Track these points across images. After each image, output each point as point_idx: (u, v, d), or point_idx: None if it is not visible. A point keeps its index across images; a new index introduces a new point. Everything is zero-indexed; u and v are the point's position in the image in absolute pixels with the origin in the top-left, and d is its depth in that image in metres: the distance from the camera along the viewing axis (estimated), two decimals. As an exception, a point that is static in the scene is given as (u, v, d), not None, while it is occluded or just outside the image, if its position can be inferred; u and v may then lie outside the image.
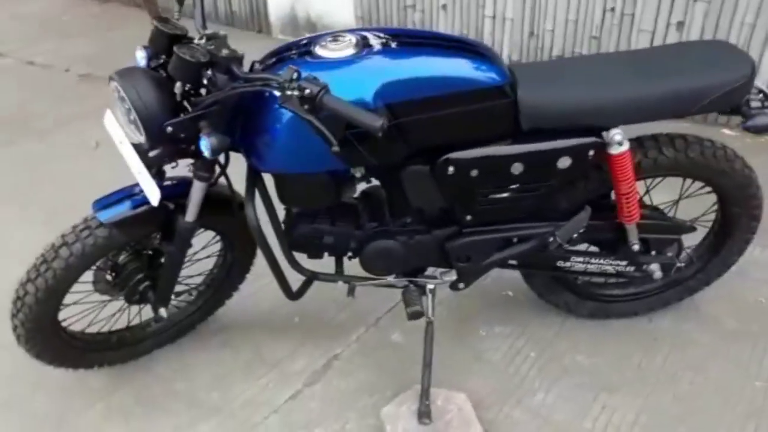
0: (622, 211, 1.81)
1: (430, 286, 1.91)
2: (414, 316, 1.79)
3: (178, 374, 2.05)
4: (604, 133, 1.68)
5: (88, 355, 1.94)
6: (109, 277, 1.86)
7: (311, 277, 1.87)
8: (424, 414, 1.78)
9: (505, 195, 1.71)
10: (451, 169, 1.64)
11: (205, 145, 1.44)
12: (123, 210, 1.65)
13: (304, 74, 1.33)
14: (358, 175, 1.69)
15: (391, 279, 1.89)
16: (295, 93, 1.31)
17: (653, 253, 1.96)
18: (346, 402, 1.94)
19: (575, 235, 1.86)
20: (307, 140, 1.50)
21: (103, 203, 1.67)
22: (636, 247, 1.91)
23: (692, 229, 1.98)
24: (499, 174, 1.66)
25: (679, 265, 1.99)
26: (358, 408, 1.91)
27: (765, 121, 1.70)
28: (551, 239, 1.79)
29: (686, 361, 2.05)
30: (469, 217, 1.76)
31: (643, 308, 2.19)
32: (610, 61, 1.79)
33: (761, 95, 1.73)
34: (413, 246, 1.81)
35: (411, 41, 1.63)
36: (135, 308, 2.01)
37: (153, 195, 1.55)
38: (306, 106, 1.31)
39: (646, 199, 2.00)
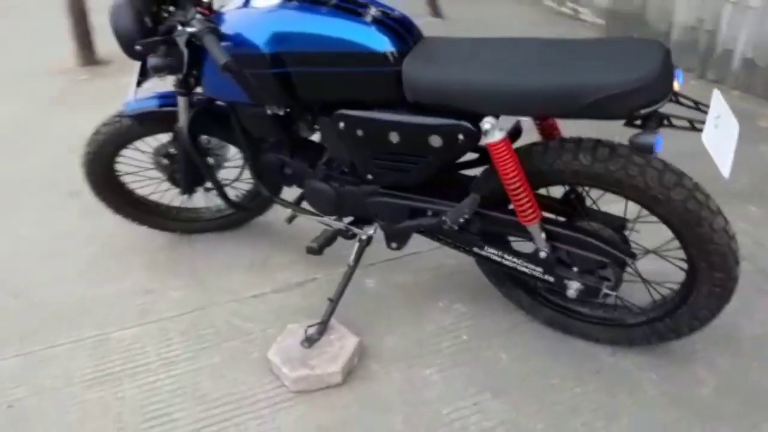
0: (515, 208, 1.71)
1: (362, 236, 2.07)
2: (309, 250, 2.00)
3: (199, 255, 2.57)
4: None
5: (145, 216, 2.58)
6: (164, 161, 2.44)
7: (269, 198, 2.19)
8: (308, 339, 2.00)
9: (387, 161, 1.78)
10: (341, 124, 1.78)
11: (149, 63, 1.87)
12: (141, 107, 2.19)
13: (198, 17, 1.67)
14: (281, 113, 1.92)
15: (328, 218, 2.10)
16: (190, 30, 1.68)
17: (575, 269, 1.79)
18: (285, 315, 2.23)
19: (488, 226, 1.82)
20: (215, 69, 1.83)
21: (133, 103, 2.22)
22: (543, 254, 1.77)
23: (630, 255, 1.74)
24: (380, 139, 1.74)
25: (608, 293, 1.77)
26: (286, 320, 2.19)
27: (646, 140, 1.44)
28: (444, 219, 1.80)
29: (607, 407, 1.84)
30: (369, 177, 1.87)
31: (605, 338, 1.98)
32: (523, 47, 1.66)
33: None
34: (343, 194, 1.99)
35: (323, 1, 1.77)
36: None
37: (130, 97, 2.05)
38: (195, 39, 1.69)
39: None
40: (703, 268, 1.67)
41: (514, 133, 1.79)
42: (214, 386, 1.96)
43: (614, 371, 1.94)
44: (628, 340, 1.95)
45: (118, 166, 2.45)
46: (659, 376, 1.91)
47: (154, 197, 2.61)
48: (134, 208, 2.57)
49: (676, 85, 1.56)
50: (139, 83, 2.06)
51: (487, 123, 1.60)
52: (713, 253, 1.62)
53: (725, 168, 1.48)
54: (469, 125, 1.62)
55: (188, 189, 2.42)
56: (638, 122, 1.51)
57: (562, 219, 1.87)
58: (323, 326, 2.03)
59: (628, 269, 1.83)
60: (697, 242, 1.62)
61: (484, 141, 1.63)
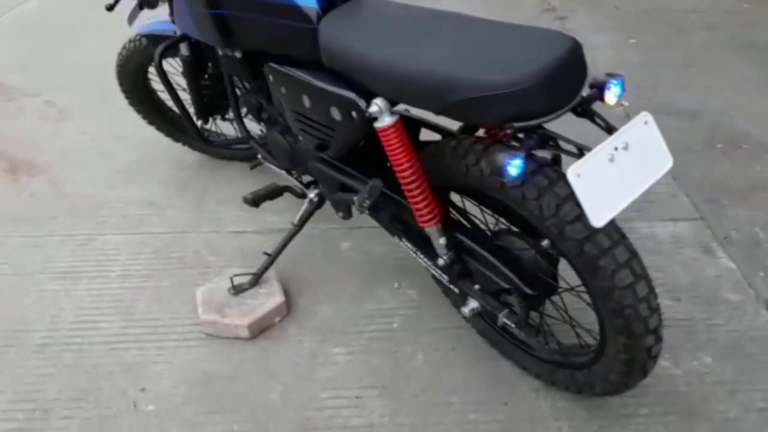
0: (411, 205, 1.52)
1: (311, 197, 1.98)
2: (244, 199, 1.96)
3: (213, 182, 2.64)
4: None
5: (177, 133, 2.70)
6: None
7: (245, 137, 2.16)
8: (236, 288, 2.00)
9: (305, 125, 1.66)
10: (270, 77, 1.69)
11: None
12: (149, 28, 2.24)
13: None
14: (238, 56, 1.86)
15: (281, 170, 2.04)
16: None
17: (476, 287, 1.56)
18: (250, 257, 2.24)
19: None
20: (181, 7, 1.81)
21: (143, 23, 2.27)
22: (441, 261, 1.56)
23: (548, 290, 1.48)
24: (296, 100, 1.62)
25: (506, 322, 1.53)
26: (248, 263, 2.19)
27: (499, 161, 1.18)
28: (353, 199, 1.65)
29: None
30: (300, 137, 1.76)
31: (533, 369, 1.74)
32: (441, 24, 1.39)
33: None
34: (295, 150, 1.91)
35: None
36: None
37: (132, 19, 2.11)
38: None
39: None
40: (607, 325, 1.37)
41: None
42: (147, 308, 2.05)
43: (525, 409, 1.69)
44: (551, 379, 1.69)
45: (152, 83, 2.57)
46: (570, 428, 1.64)
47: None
48: (169, 123, 2.70)
49: (611, 98, 1.25)
50: (140, 5, 2.11)
51: (375, 104, 1.41)
52: (614, 312, 1.31)
53: (597, 216, 1.17)
54: (359, 103, 1.44)
55: (201, 114, 2.47)
56: (520, 136, 1.23)
57: (484, 229, 1.63)
58: (254, 278, 2.01)
59: (554, 303, 1.56)
60: (598, 293, 1.32)
61: (375, 123, 1.45)
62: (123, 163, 2.79)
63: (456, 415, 1.69)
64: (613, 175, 1.18)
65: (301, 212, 2.00)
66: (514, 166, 1.18)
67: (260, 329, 1.94)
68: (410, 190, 1.48)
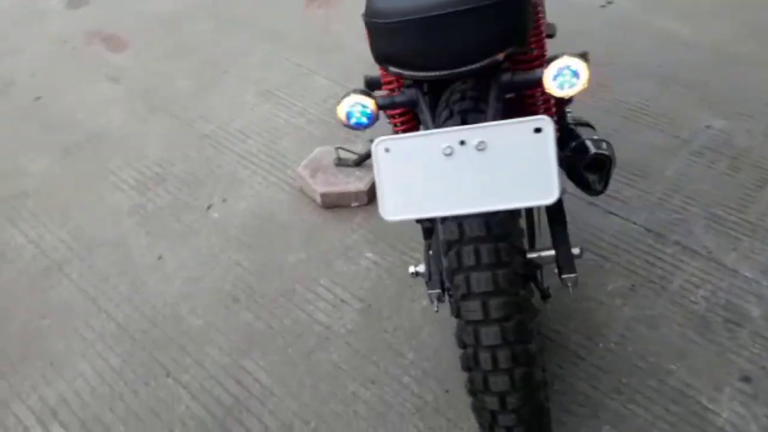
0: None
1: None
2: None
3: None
4: None
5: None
6: None
7: None
8: (340, 160, 2.09)
9: None
10: None
11: None
12: None
13: None
14: None
15: None
16: None
17: None
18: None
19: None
20: None
21: None
22: None
23: None
24: None
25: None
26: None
27: None
28: None
29: None
30: None
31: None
32: None
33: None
34: None
35: None
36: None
37: None
38: None
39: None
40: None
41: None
42: (286, 145, 2.29)
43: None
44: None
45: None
46: None
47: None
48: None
49: (552, 86, 0.94)
50: None
51: None
52: None
53: (388, 208, 0.93)
54: None
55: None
56: None
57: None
58: (358, 159, 2.06)
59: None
60: None
61: None
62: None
63: (361, 406, 1.59)
64: (440, 172, 0.92)
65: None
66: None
67: (333, 204, 2.02)
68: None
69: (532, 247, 1.40)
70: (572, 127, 1.30)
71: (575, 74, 0.93)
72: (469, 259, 0.99)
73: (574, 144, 1.25)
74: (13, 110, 2.72)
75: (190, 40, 3.01)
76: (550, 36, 1.78)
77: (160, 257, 1.94)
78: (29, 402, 1.61)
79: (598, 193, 1.28)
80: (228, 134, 2.37)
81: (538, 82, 0.97)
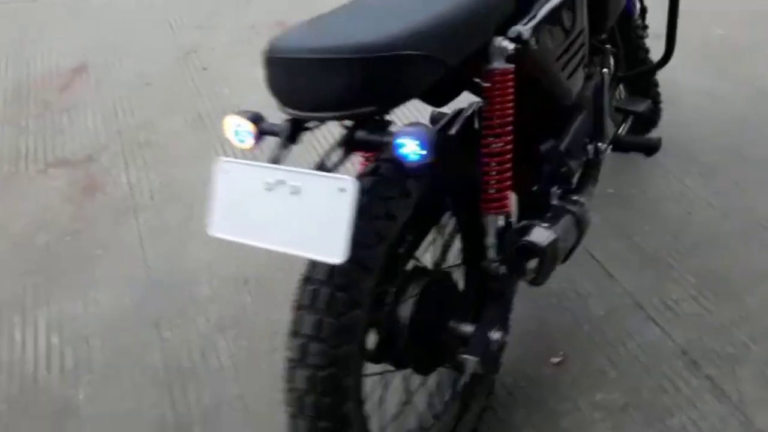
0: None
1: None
2: None
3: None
4: None
5: None
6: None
7: None
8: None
9: None
10: None
11: None
12: None
13: None
14: None
15: None
16: None
17: None
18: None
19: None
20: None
21: None
22: None
23: None
24: None
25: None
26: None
27: None
28: None
29: None
30: None
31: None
32: None
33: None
34: None
35: None
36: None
37: None
38: None
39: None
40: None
41: None
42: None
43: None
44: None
45: None
46: None
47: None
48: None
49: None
50: None
51: None
52: None
53: (216, 225, 0.95)
54: None
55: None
56: None
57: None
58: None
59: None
60: None
61: None
62: None
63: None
64: (259, 204, 0.93)
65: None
66: None
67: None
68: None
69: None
70: None
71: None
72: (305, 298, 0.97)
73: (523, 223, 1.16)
74: (183, 73, 3.08)
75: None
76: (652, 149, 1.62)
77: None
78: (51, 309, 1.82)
79: (533, 283, 1.15)
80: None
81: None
